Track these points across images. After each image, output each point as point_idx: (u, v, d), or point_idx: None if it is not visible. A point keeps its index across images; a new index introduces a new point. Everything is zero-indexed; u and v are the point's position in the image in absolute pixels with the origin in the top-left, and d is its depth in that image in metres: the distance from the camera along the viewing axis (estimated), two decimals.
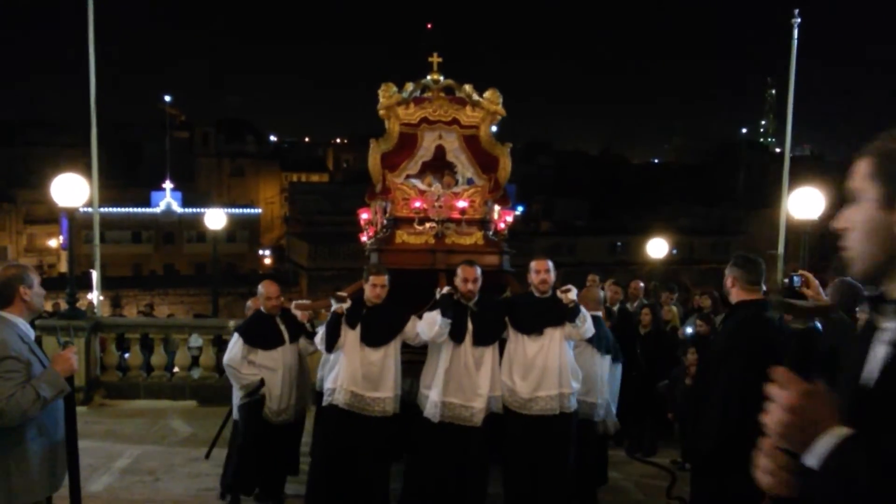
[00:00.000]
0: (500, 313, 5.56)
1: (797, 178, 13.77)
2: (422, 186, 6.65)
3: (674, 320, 9.43)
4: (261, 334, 5.97)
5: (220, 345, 9.63)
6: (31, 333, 3.76)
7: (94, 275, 11.34)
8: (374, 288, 5.49)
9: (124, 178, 50.99)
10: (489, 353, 5.47)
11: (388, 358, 5.47)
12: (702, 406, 4.60)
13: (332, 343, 5.47)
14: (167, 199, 47.36)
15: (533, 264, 5.61)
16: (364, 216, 7.67)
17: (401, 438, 5.87)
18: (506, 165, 6.80)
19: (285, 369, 5.92)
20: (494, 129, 6.99)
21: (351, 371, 5.40)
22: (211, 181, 59.02)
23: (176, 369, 10.22)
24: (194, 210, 43.75)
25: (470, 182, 6.79)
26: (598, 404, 6.07)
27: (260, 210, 53.91)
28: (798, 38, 13.27)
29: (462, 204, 6.51)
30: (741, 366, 4.35)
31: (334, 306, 5.52)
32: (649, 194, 56.06)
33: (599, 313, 6.31)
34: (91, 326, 9.56)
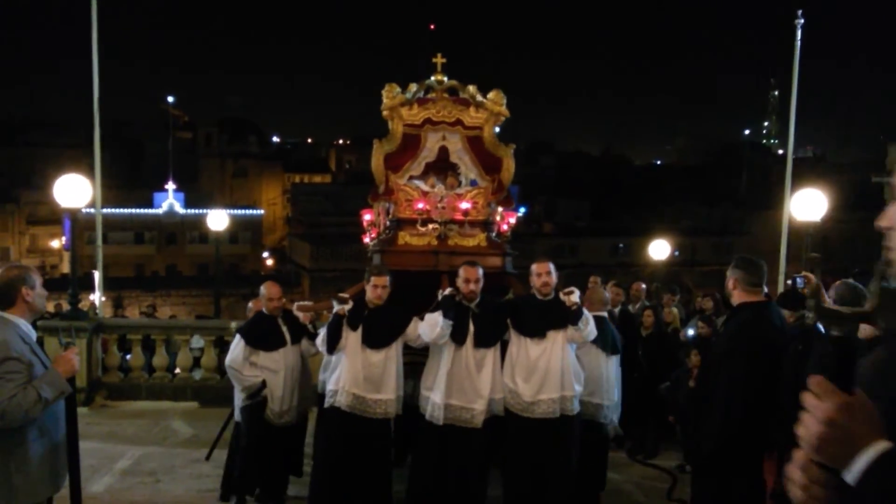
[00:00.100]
0: (501, 315, 5.55)
1: (800, 179, 13.73)
2: (425, 188, 6.64)
3: (675, 322, 9.41)
4: (262, 335, 5.95)
5: (222, 346, 9.64)
6: (33, 334, 3.76)
7: (97, 275, 11.35)
8: (376, 289, 5.48)
9: (127, 178, 51.10)
10: (490, 354, 5.46)
11: (389, 360, 5.46)
12: (703, 407, 4.60)
13: (333, 344, 5.46)
14: (170, 200, 47.40)
15: (534, 267, 5.59)
16: (367, 217, 7.67)
17: (405, 440, 5.87)
18: (509, 167, 6.78)
19: (287, 371, 5.90)
20: (497, 129, 6.98)
21: (352, 373, 5.39)
22: (213, 182, 59.07)
23: (177, 370, 10.22)
24: (197, 211, 43.77)
25: (473, 183, 6.78)
26: (606, 406, 6.03)
27: (262, 211, 53.93)
28: (801, 39, 13.27)
29: (465, 205, 6.49)
30: (743, 367, 4.35)
31: (336, 307, 5.51)
32: (651, 195, 55.99)
33: (605, 314, 6.29)
34: (93, 327, 9.57)
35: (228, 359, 5.99)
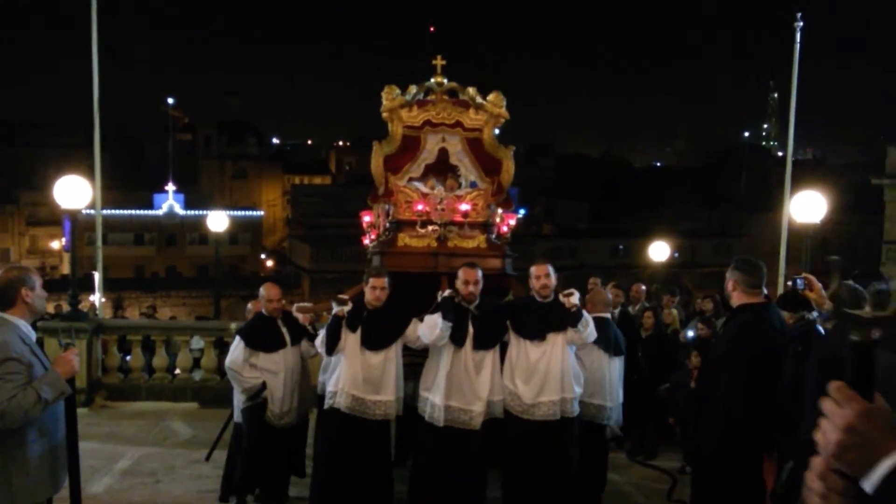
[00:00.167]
0: (501, 317, 5.54)
1: (799, 181, 13.74)
2: (424, 189, 6.64)
3: (674, 323, 9.42)
4: (262, 337, 5.95)
5: (222, 347, 9.64)
6: (33, 335, 3.77)
7: (97, 277, 11.36)
8: (374, 290, 5.47)
9: (127, 180, 51.13)
10: (490, 356, 5.45)
11: (388, 361, 5.45)
12: (703, 408, 4.60)
13: (332, 346, 5.45)
14: (169, 202, 47.42)
15: (533, 269, 5.57)
16: (366, 219, 7.67)
17: (406, 441, 5.86)
18: (509, 168, 6.78)
19: (287, 372, 5.90)
20: (498, 131, 6.98)
21: (351, 374, 5.38)
22: (213, 183, 59.10)
23: (177, 371, 10.22)
24: (197, 212, 43.79)
25: (473, 185, 6.78)
26: (608, 407, 6.01)
27: (262, 212, 53.96)
28: (800, 42, 13.27)
29: (465, 207, 6.49)
30: (742, 368, 4.35)
31: (335, 309, 5.51)
32: (651, 197, 56.03)
33: (608, 315, 6.28)
34: (93, 328, 9.57)
35: (228, 360, 5.98)
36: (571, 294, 5.41)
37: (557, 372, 5.36)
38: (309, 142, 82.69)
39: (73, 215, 9.77)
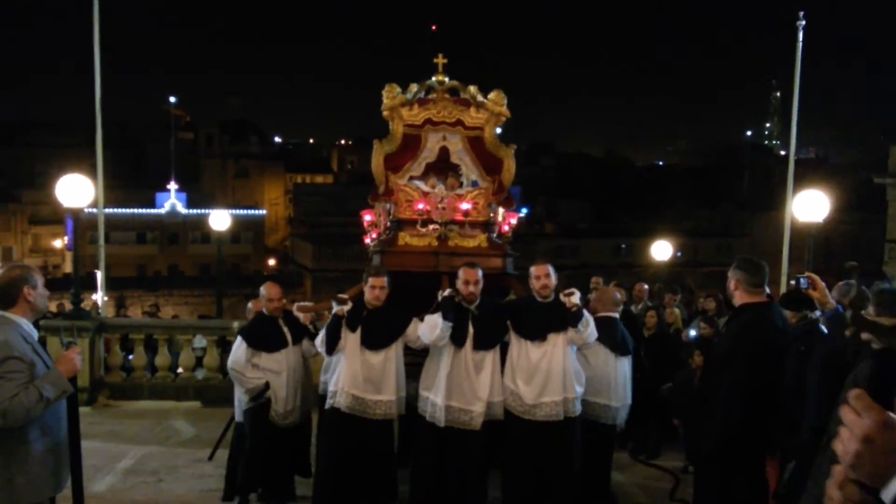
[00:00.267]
0: (501, 317, 5.51)
1: (801, 180, 13.71)
2: (425, 188, 6.63)
3: (676, 322, 9.42)
4: (264, 337, 5.94)
5: (225, 345, 9.64)
6: (35, 334, 3.77)
7: (99, 275, 11.36)
8: (373, 290, 5.45)
9: (129, 178, 51.17)
10: (490, 357, 5.42)
11: (389, 361, 5.44)
12: (705, 408, 4.60)
13: (332, 346, 5.44)
14: (172, 200, 47.41)
15: (532, 269, 5.53)
16: (367, 218, 7.66)
17: (409, 441, 5.85)
18: (510, 167, 6.76)
19: (289, 371, 5.89)
20: (499, 130, 6.97)
21: (352, 374, 5.37)
22: (215, 182, 59.14)
23: (180, 370, 10.23)
24: (199, 211, 43.80)
25: (474, 184, 6.77)
26: (613, 407, 5.94)
27: (264, 211, 53.95)
28: (803, 41, 13.25)
29: (465, 206, 6.48)
30: (744, 368, 4.35)
31: (335, 308, 5.50)
32: (653, 196, 55.97)
33: (616, 315, 6.23)
34: (95, 327, 9.58)
35: (230, 361, 5.96)
36: (572, 294, 5.38)
37: (559, 372, 5.33)
38: (311, 140, 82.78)
39: (76, 214, 9.79)
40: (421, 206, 6.46)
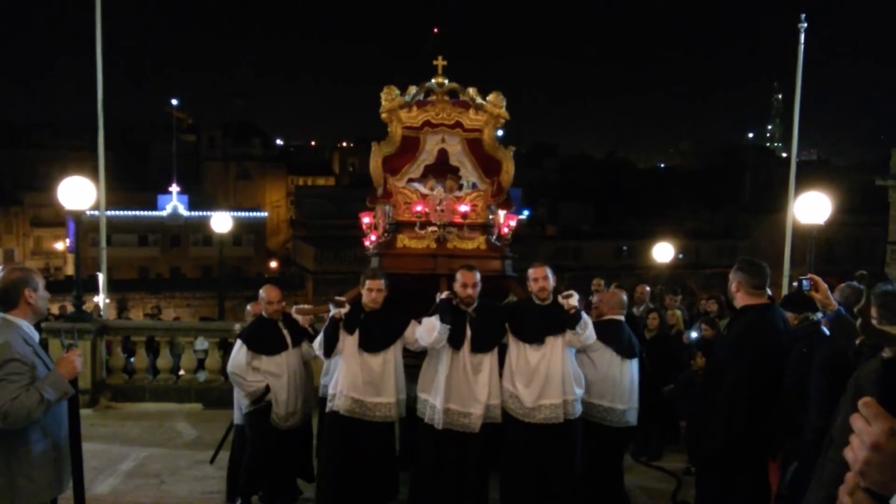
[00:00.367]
0: (499, 319, 5.48)
1: (803, 182, 13.69)
2: (424, 190, 6.62)
3: (678, 324, 9.41)
4: (264, 340, 5.92)
5: (226, 348, 9.64)
6: (36, 336, 3.77)
7: (101, 278, 11.34)
8: (370, 292, 5.44)
9: (131, 181, 51.17)
10: (487, 359, 5.39)
11: (387, 363, 5.43)
12: (707, 410, 4.59)
13: (330, 348, 5.43)
14: (174, 203, 47.47)
15: (531, 272, 5.50)
16: (366, 220, 7.63)
17: (410, 443, 5.84)
18: (509, 169, 6.75)
19: (290, 374, 5.88)
20: (501, 133, 6.97)
21: (351, 377, 5.36)
22: (217, 185, 59.20)
23: (181, 372, 10.24)
24: (201, 213, 43.88)
25: (474, 186, 6.76)
26: (618, 409, 5.85)
27: (266, 213, 54.00)
28: (805, 43, 13.24)
29: (464, 208, 6.46)
30: (746, 370, 4.35)
31: (332, 311, 5.49)
32: (655, 198, 55.98)
33: (622, 317, 6.19)
34: (97, 329, 9.58)
35: (230, 365, 5.94)
36: (570, 296, 5.35)
37: (558, 374, 5.31)
38: (313, 143, 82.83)
39: (78, 216, 9.78)
40: (419, 208, 6.45)
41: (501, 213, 6.89)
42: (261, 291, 6.13)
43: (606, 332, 5.81)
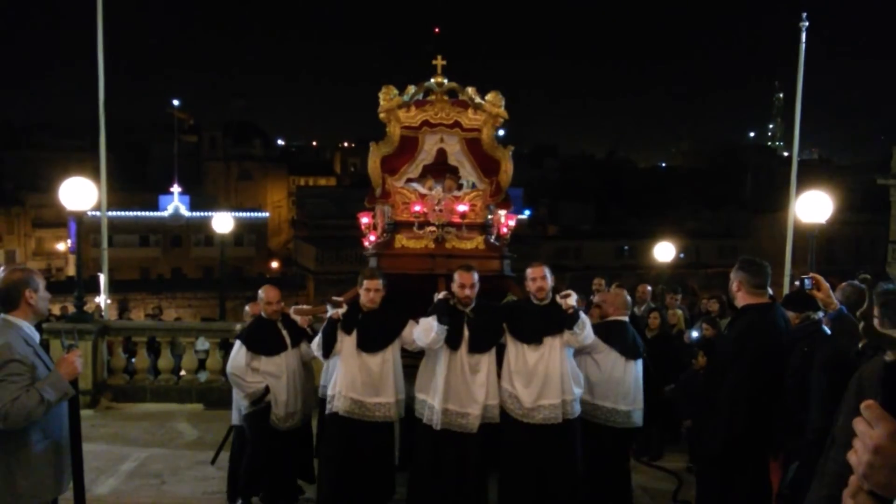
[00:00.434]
0: (497, 320, 5.46)
1: (805, 181, 13.70)
2: (423, 190, 6.60)
3: (679, 323, 9.40)
4: (263, 340, 5.91)
5: (227, 348, 9.62)
6: (36, 337, 3.78)
7: (102, 278, 11.34)
8: (368, 292, 5.43)
9: (132, 181, 51.18)
10: (485, 360, 5.38)
11: (386, 363, 5.42)
12: (708, 409, 4.59)
13: (328, 349, 5.43)
14: (175, 203, 47.46)
15: (528, 271, 5.48)
16: (364, 220, 7.61)
17: (409, 443, 5.83)
18: (507, 169, 6.73)
19: (289, 375, 5.87)
20: (501, 133, 6.96)
21: (349, 377, 5.36)
22: (218, 185, 59.23)
23: (183, 372, 10.24)
24: (202, 214, 43.84)
25: (473, 186, 6.75)
26: (622, 410, 5.83)
27: (267, 214, 54.01)
28: (806, 42, 13.23)
29: (463, 208, 6.44)
30: (748, 369, 4.34)
31: (330, 311, 5.48)
32: (656, 198, 55.96)
33: (626, 318, 6.15)
34: (98, 330, 9.59)
35: (229, 366, 5.92)
36: (569, 295, 5.33)
37: (557, 375, 5.29)
38: (314, 143, 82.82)
39: (79, 217, 9.78)
40: (418, 208, 6.43)
41: (501, 212, 6.88)
42: (260, 292, 6.12)
43: (611, 333, 5.79)
